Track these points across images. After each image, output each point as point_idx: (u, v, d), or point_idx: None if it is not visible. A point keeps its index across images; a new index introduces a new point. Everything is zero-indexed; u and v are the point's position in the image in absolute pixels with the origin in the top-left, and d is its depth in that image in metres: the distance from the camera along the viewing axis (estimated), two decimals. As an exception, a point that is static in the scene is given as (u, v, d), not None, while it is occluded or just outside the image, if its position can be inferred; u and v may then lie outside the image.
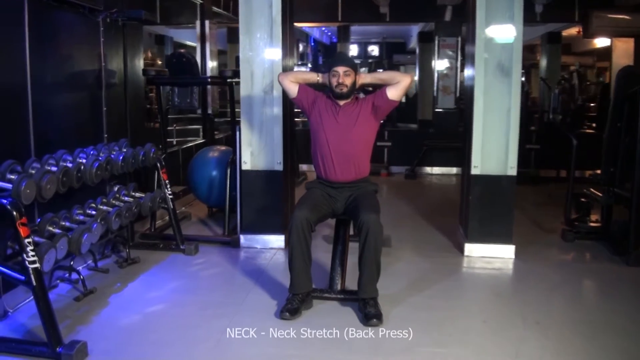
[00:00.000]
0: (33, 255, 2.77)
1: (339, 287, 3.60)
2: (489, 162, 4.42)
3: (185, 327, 3.20)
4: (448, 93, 8.36)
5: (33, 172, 3.03)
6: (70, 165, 3.43)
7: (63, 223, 3.44)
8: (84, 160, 3.55)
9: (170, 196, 4.51)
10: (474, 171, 4.44)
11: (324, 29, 11.77)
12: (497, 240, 4.46)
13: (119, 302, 3.56)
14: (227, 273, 4.15)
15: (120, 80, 4.67)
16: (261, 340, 3.05)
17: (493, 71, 4.32)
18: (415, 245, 4.88)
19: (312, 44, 13.10)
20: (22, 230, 2.75)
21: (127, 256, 4.21)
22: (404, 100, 12.22)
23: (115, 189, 4.11)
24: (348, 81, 3.55)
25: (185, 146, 6.21)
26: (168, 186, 4.50)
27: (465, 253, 4.52)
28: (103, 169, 3.65)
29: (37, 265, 2.79)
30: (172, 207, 4.52)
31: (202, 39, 5.92)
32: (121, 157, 3.85)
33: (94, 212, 3.72)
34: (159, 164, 4.45)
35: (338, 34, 10.59)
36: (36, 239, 3.06)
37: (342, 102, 3.61)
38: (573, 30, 8.92)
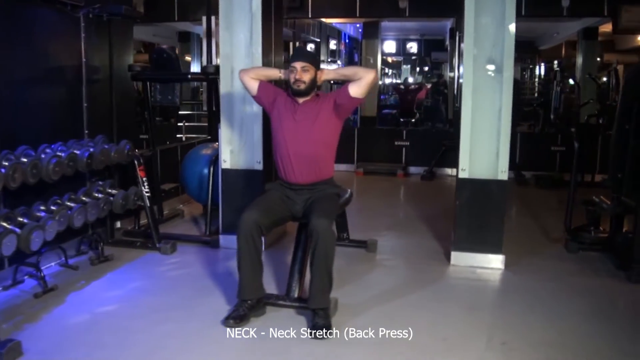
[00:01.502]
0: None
1: (296, 294, 3.43)
2: (478, 165, 4.14)
3: (127, 330, 3.11)
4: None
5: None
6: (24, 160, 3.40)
7: (21, 219, 3.42)
8: (43, 156, 3.52)
9: (147, 194, 4.46)
10: (462, 174, 4.16)
11: (358, 25, 11.51)
12: (485, 250, 4.17)
13: (75, 300, 3.52)
14: (196, 274, 4.04)
15: (105, 76, 4.64)
16: (198, 347, 2.93)
17: (483, 68, 4.04)
18: (404, 251, 4.65)
19: (347, 40, 12.87)
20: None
21: (100, 254, 4.18)
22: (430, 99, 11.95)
23: (87, 185, 4.09)
24: (306, 77, 3.37)
25: (184, 143, 6.17)
26: (145, 184, 4.45)
27: (452, 262, 4.25)
28: (64, 165, 3.61)
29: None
30: (148, 204, 4.46)
31: (209, 34, 5.83)
32: (87, 154, 3.80)
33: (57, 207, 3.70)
34: (136, 161, 4.40)
35: (364, 31, 10.36)
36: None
37: (301, 100, 3.43)
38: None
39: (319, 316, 3.12)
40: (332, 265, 3.16)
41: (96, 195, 4.10)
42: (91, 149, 3.90)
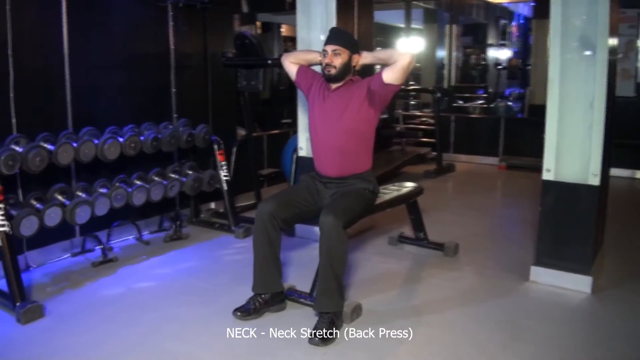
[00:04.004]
0: (2, 220, 3.07)
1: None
2: (565, 165, 3.43)
3: (143, 308, 3.22)
4: (627, 77, 6.69)
5: (19, 149, 3.32)
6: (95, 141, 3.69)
7: (79, 193, 3.73)
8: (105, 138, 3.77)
9: (226, 177, 4.55)
10: (546, 176, 3.50)
11: (533, 3, 10.41)
12: (570, 268, 3.46)
13: (123, 273, 3.74)
14: (250, 261, 4.00)
15: (197, 63, 4.83)
16: (195, 336, 2.90)
17: (573, 47, 3.32)
18: (487, 258, 4.07)
19: (522, 21, 11.72)
20: (-7, 198, 3.07)
21: (174, 232, 4.39)
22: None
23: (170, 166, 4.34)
24: (337, 62, 3.09)
25: (276, 131, 6.20)
26: (224, 167, 4.54)
27: (531, 278, 3.61)
28: (126, 146, 3.83)
29: (5, 229, 3.08)
30: (225, 188, 4.55)
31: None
32: (152, 136, 3.99)
33: (124, 186, 3.95)
34: (215, 145, 4.51)
35: (535, 9, 9.30)
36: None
37: (334, 86, 3.17)
38: None
39: (321, 320, 2.88)
40: (339, 267, 2.88)
41: (172, 175, 4.30)
42: (155, 133, 4.07)
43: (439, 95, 7.51)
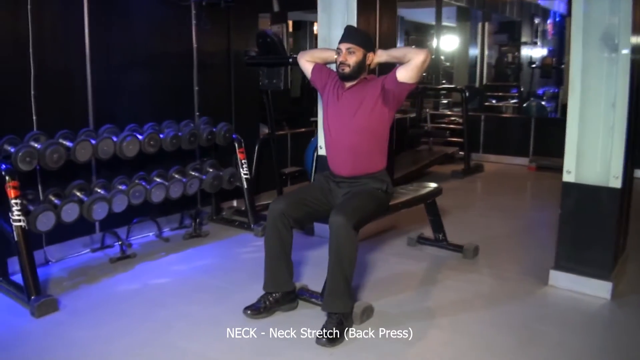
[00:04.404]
0: (19, 215, 3.15)
1: (328, 293, 3.19)
2: (587, 167, 3.33)
3: (156, 304, 3.25)
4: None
5: (36, 145, 3.41)
6: (114, 138, 3.76)
7: (98, 190, 3.80)
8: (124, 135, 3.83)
9: (246, 176, 4.57)
10: (566, 177, 3.41)
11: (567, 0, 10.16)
12: (590, 273, 3.35)
13: (141, 269, 3.79)
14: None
15: (221, 61, 4.87)
16: (204, 335, 2.91)
17: (596, 45, 3.21)
18: (507, 262, 3.98)
19: (558, 19, 11.44)
20: (10, 192, 3.14)
21: (193, 229, 4.43)
22: None
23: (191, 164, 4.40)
24: (352, 60, 3.06)
25: (300, 130, 6.18)
26: (245, 165, 4.56)
27: (549, 282, 3.51)
28: (145, 144, 3.89)
29: (21, 224, 3.15)
30: (245, 186, 4.57)
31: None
32: (172, 134, 4.03)
33: (143, 183, 4.01)
34: (236, 144, 4.53)
35: (569, 8, 9.05)
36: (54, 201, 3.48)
37: (348, 85, 3.14)
38: None
39: (329, 321, 2.86)
40: (348, 267, 2.85)
41: (192, 173, 4.34)
42: (174, 131, 4.12)
43: (467, 94, 7.39)
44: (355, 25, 4.02)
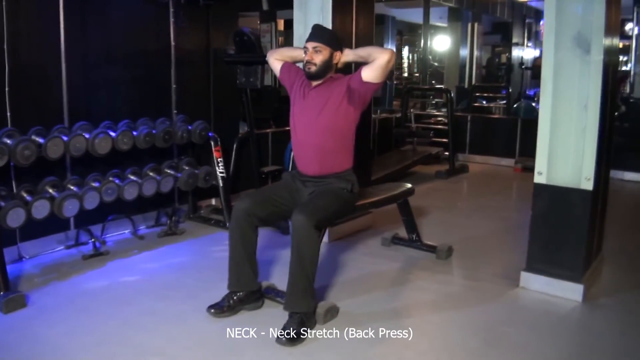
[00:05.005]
0: (-14, 211, 3.14)
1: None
2: (558, 168, 3.32)
3: (123, 301, 3.23)
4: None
5: (8, 141, 3.39)
6: (86, 135, 3.75)
7: (71, 187, 3.79)
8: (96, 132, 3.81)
9: (222, 174, 4.55)
10: (538, 179, 3.39)
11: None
12: (561, 275, 3.34)
13: (112, 267, 3.76)
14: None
15: (200, 59, 4.86)
16: (166, 332, 2.90)
17: (568, 46, 3.20)
18: (479, 263, 3.97)
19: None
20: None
21: (168, 227, 4.41)
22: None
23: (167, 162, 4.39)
24: (318, 59, 3.05)
25: (281, 129, 6.12)
26: (220, 164, 4.55)
27: (521, 284, 3.50)
28: (119, 141, 3.87)
29: (-12, 220, 3.15)
30: (221, 184, 4.55)
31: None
32: (145, 132, 4.02)
33: (117, 180, 3.99)
34: (212, 142, 4.52)
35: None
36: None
37: (314, 84, 3.13)
38: None
39: (290, 321, 2.85)
40: (310, 267, 2.84)
41: (167, 171, 4.33)
42: (152, 129, 4.11)
43: (452, 94, 7.37)
44: (330, 24, 4.02)
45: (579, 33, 3.14)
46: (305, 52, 3.09)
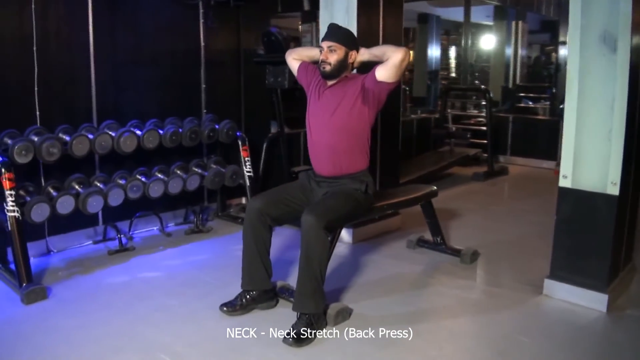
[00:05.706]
0: (12, 206, 3.26)
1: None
2: (583, 172, 3.18)
3: (139, 297, 3.30)
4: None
5: (35, 139, 3.51)
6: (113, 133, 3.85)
7: (97, 184, 3.90)
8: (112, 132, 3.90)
9: (249, 173, 4.59)
10: (562, 183, 3.26)
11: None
12: (585, 284, 3.20)
13: (135, 262, 3.86)
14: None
15: (230, 60, 4.91)
16: (177, 329, 2.94)
17: (594, 45, 3.06)
18: (502, 267, 3.88)
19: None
20: (5, 184, 3.25)
21: (195, 225, 4.48)
22: None
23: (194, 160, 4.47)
24: (332, 58, 3.03)
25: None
26: (248, 163, 4.59)
27: (544, 291, 3.37)
28: (145, 140, 3.96)
29: (15, 214, 3.26)
30: (247, 184, 4.59)
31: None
32: (172, 130, 4.09)
33: (143, 178, 4.09)
34: (240, 142, 4.56)
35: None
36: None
37: (329, 83, 3.11)
38: None
39: (298, 321, 2.84)
40: (318, 268, 2.82)
41: (194, 169, 4.40)
42: (179, 128, 4.18)
43: (491, 94, 7.19)
44: (355, 23, 3.99)
45: (605, 31, 3.00)
46: (320, 52, 3.08)
